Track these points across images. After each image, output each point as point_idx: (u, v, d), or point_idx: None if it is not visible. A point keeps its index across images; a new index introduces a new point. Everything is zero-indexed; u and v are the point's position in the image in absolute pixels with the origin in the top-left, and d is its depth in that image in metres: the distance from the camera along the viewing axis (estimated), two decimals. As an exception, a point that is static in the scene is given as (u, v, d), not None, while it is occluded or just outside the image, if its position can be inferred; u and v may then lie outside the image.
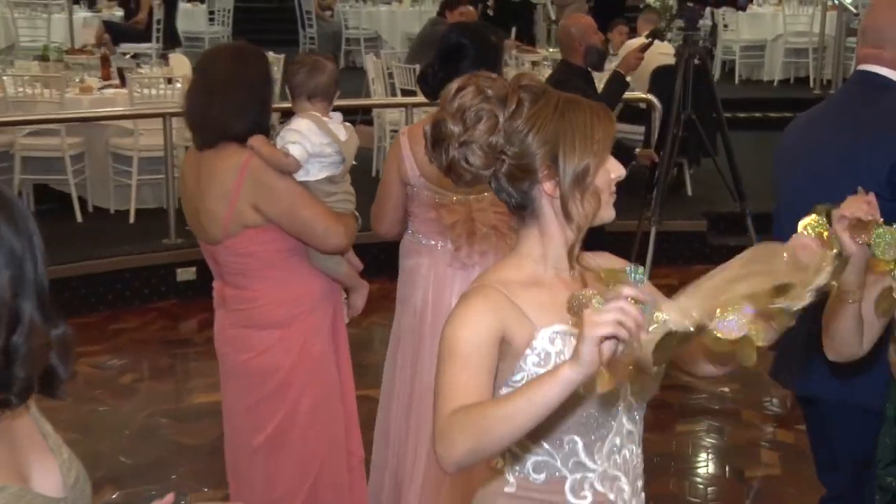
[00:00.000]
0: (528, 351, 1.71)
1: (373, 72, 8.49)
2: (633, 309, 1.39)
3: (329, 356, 3.06)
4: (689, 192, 7.54)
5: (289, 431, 2.97)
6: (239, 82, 2.82)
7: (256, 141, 2.79)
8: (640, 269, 1.51)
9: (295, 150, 2.82)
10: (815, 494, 3.91)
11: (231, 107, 2.80)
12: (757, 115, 10.09)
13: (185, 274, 5.99)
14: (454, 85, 1.75)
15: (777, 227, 3.00)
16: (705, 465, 4.42)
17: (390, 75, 8.25)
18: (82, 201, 6.90)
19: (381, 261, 5.28)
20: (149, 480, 4.14)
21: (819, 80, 10.99)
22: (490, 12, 12.18)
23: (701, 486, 4.20)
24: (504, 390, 1.72)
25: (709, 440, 4.63)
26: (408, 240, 3.26)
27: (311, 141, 2.83)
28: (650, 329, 1.44)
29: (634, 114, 7.39)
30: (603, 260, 1.91)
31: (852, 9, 10.06)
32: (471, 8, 9.05)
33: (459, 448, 1.56)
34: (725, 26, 11.91)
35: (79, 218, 6.71)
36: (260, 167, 2.79)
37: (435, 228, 3.15)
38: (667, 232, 6.10)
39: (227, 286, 2.99)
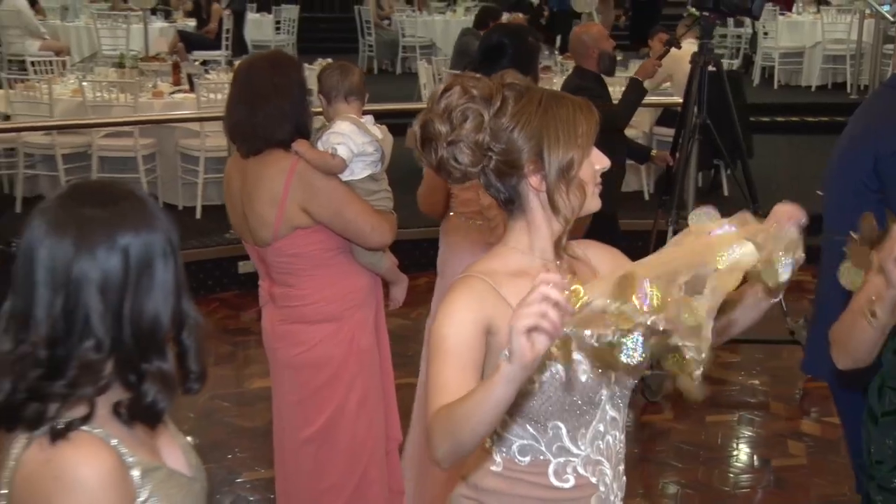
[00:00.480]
0: None
1: (424, 77, 8.53)
2: (554, 294, 1.31)
3: (374, 348, 3.04)
4: (726, 193, 7.43)
5: (339, 423, 2.93)
6: (279, 90, 2.77)
7: (301, 145, 2.77)
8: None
9: (342, 151, 2.80)
10: (842, 485, 3.86)
11: (274, 114, 2.75)
12: (795, 119, 9.94)
13: (246, 266, 5.99)
14: (440, 87, 1.73)
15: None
16: (734, 455, 4.34)
17: (441, 80, 8.24)
18: (153, 198, 6.98)
19: (430, 256, 5.28)
20: (210, 460, 4.17)
21: (856, 85, 10.81)
22: (543, 21, 12.24)
23: (731, 476, 4.13)
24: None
25: (738, 431, 4.55)
26: (450, 218, 3.37)
27: (355, 141, 2.81)
28: (576, 307, 1.36)
29: (674, 117, 7.29)
30: (591, 250, 1.88)
31: (889, 17, 9.88)
32: (521, 15, 9.09)
33: (440, 450, 1.54)
34: (766, 34, 11.78)
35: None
36: (306, 170, 2.77)
37: (474, 208, 3.22)
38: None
39: (274, 285, 2.96)
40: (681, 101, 6.71)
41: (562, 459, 1.72)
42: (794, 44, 11.69)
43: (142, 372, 1.30)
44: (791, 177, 7.58)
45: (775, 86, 11.50)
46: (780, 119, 9.79)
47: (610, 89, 4.90)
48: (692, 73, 4.97)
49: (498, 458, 1.76)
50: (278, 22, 14.22)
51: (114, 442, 1.31)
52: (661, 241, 5.44)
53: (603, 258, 1.88)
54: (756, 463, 4.27)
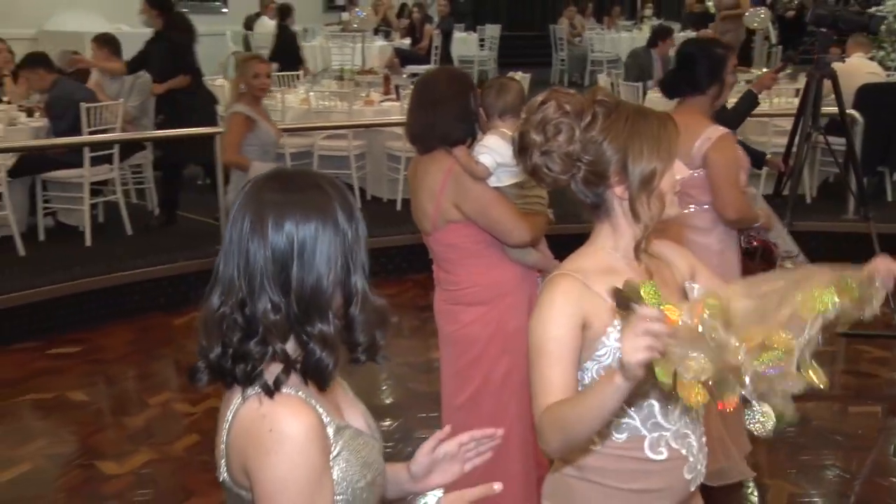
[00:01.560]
0: (609, 329, 1.63)
1: (604, 87, 8.34)
2: (658, 328, 1.31)
3: (523, 330, 3.00)
4: (889, 198, 6.87)
5: (484, 394, 2.94)
6: (453, 100, 2.82)
7: (459, 151, 2.79)
8: (649, 285, 1.39)
9: (485, 160, 2.79)
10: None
11: (445, 119, 2.80)
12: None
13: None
14: (537, 99, 1.71)
15: None
16: (873, 443, 3.99)
17: (618, 91, 8.06)
18: (362, 192, 7.22)
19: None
20: (395, 417, 4.27)
21: None
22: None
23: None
24: (589, 364, 1.68)
25: (879, 421, 4.23)
26: None
27: (500, 153, 2.78)
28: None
29: (838, 127, 6.80)
30: (666, 249, 1.83)
31: None
32: (710, 31, 8.87)
33: (552, 445, 1.57)
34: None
35: (359, 205, 6.98)
36: (460, 172, 2.79)
37: None
38: (831, 232, 5.97)
39: (440, 270, 3.01)
40: (792, 113, 6.41)
41: (655, 434, 1.70)
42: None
43: (308, 333, 1.33)
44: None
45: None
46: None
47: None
48: (807, 86, 4.82)
49: (596, 439, 1.72)
50: (482, 39, 14.33)
51: (312, 402, 1.35)
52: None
53: (674, 258, 1.85)
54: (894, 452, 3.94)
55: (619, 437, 1.71)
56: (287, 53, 10.78)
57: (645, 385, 1.50)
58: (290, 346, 1.33)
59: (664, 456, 1.70)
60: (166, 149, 6.82)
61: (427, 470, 1.59)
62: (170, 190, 6.81)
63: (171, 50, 6.64)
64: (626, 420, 1.70)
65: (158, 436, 4.18)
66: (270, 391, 1.31)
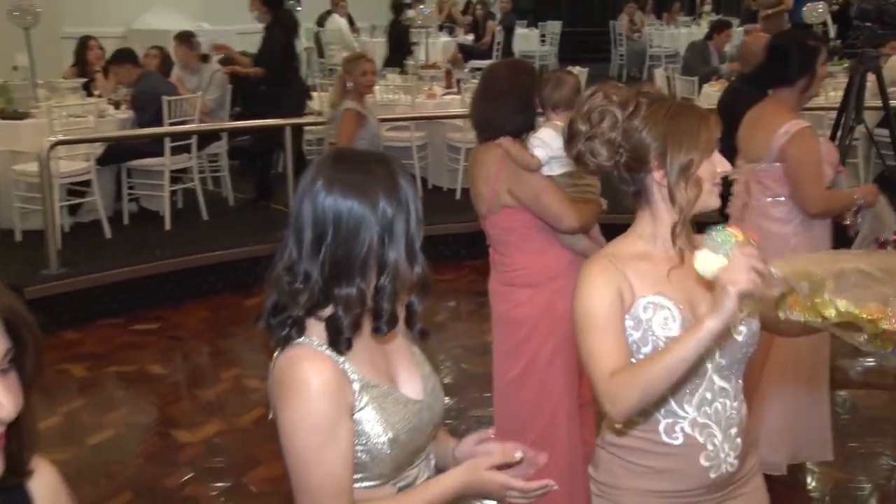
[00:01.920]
0: (626, 316, 1.66)
1: (659, 82, 8.23)
2: (760, 264, 1.41)
3: (570, 313, 2.98)
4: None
5: (532, 371, 2.95)
6: (513, 91, 2.84)
7: (506, 141, 2.79)
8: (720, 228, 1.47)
9: (538, 153, 2.79)
10: None
11: (507, 110, 2.82)
12: None
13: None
14: (587, 91, 1.74)
15: None
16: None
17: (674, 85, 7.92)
18: (423, 181, 7.23)
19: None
20: (450, 396, 4.26)
21: None
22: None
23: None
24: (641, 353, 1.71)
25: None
26: None
27: (551, 146, 2.77)
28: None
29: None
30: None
31: None
32: (758, 26, 8.55)
33: (631, 403, 1.58)
34: None
35: (420, 193, 6.99)
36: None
37: None
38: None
39: (495, 252, 3.02)
40: (833, 108, 6.18)
41: (670, 420, 1.72)
42: None
43: (335, 296, 1.41)
44: None
45: None
46: None
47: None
48: (851, 79, 4.61)
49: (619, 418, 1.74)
50: (543, 35, 14.20)
51: (340, 360, 1.42)
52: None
53: None
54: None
55: (638, 418, 1.73)
56: (399, 45, 11.02)
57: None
58: (328, 310, 1.43)
59: (679, 441, 1.71)
60: (257, 135, 7.07)
61: (468, 458, 1.61)
62: (264, 171, 7.06)
63: (266, 43, 6.83)
64: None
65: (228, 408, 4.27)
66: (286, 341, 1.43)
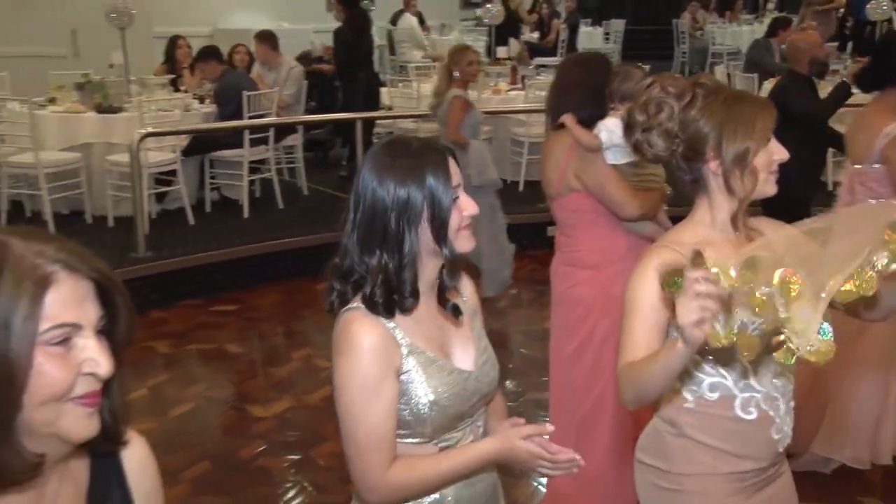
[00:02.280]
0: None
1: (719, 78, 7.98)
2: (707, 288, 1.27)
3: None
4: None
5: (585, 350, 2.97)
6: (583, 83, 2.89)
7: (569, 119, 2.83)
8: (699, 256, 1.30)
9: (602, 136, 2.80)
10: None
11: (576, 99, 2.86)
12: None
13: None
14: (645, 83, 1.71)
15: None
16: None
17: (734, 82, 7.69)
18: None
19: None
20: (505, 379, 4.27)
21: None
22: (846, 31, 11.01)
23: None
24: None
25: None
26: None
27: (615, 133, 2.74)
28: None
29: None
30: (763, 224, 1.76)
31: None
32: (813, 23, 8.28)
33: (626, 396, 1.58)
34: None
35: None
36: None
37: None
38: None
39: (561, 234, 3.06)
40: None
41: (746, 395, 1.67)
42: None
43: (371, 268, 1.49)
44: None
45: None
46: None
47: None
48: None
49: (690, 397, 1.71)
50: (607, 33, 13.97)
51: (390, 325, 1.50)
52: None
53: (770, 232, 1.75)
54: None
55: (712, 395, 1.68)
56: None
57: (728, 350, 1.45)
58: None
59: (754, 416, 1.68)
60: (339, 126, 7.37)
61: None
62: (351, 151, 7.25)
63: (339, 41, 6.91)
64: (718, 380, 1.68)
65: (299, 386, 4.34)
66: (339, 305, 1.52)
